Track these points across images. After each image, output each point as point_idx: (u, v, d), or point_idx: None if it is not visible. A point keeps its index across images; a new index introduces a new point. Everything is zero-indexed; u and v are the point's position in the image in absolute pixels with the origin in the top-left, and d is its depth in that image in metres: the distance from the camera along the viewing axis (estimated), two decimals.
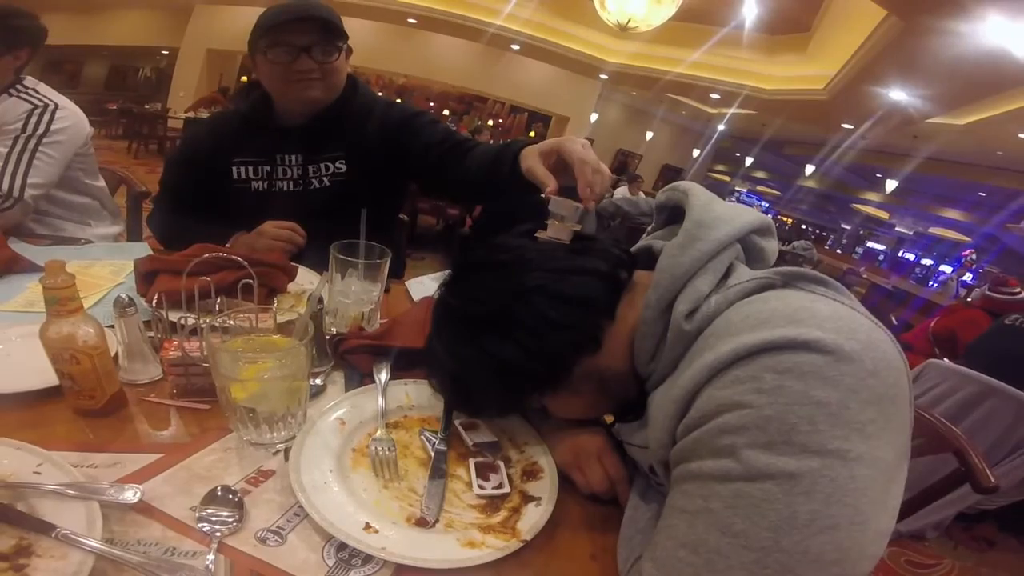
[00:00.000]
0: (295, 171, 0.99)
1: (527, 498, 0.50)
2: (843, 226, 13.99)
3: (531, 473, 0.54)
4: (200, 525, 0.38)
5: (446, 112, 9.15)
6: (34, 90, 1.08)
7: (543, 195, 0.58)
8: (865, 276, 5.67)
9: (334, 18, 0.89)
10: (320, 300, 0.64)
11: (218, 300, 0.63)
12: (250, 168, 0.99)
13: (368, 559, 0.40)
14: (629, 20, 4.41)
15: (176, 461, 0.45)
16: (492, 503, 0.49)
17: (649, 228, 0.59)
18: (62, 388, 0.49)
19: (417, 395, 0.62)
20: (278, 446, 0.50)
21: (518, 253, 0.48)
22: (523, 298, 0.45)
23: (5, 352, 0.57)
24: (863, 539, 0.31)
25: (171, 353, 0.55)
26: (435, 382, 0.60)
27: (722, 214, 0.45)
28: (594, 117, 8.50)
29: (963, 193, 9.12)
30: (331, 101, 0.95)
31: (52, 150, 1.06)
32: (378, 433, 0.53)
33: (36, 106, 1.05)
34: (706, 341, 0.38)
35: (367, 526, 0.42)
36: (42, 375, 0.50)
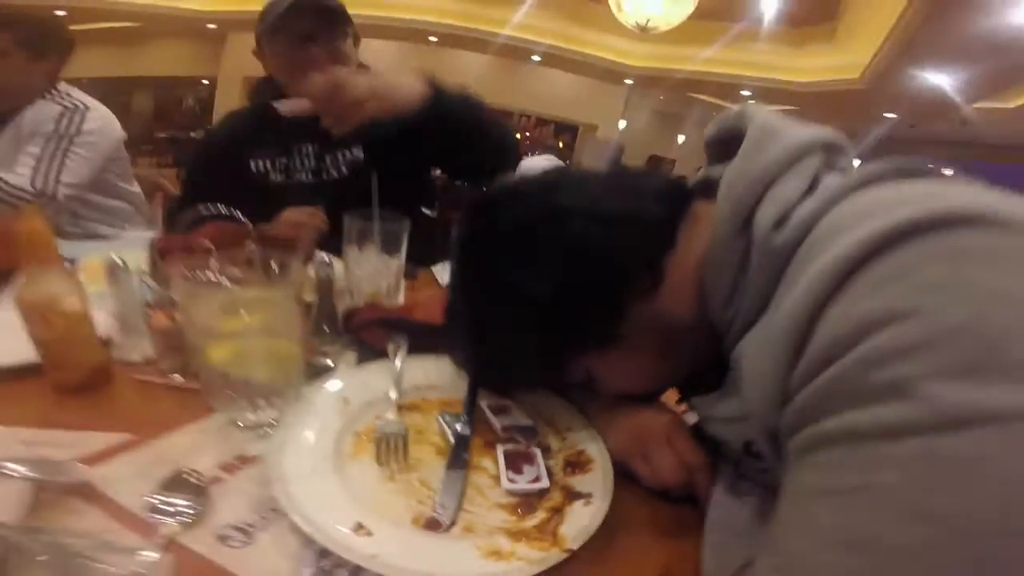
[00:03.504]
0: (311, 161, 0.97)
1: (573, 495, 0.39)
2: None
3: (577, 465, 0.43)
4: (149, 516, 0.30)
5: None
6: (67, 94, 1.11)
7: None
8: None
9: (332, 3, 0.87)
10: (329, 263, 0.58)
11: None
12: (267, 161, 0.97)
13: (359, 571, 0.30)
14: (648, 20, 4.32)
15: (143, 442, 0.38)
16: (527, 502, 0.39)
17: (700, 170, 0.49)
18: (43, 365, 0.43)
19: (438, 373, 0.53)
20: (267, 430, 0.42)
21: (550, 179, 0.41)
22: (559, 220, 0.37)
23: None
24: None
25: (160, 323, 0.48)
26: (456, 351, 0.51)
27: (793, 125, 0.36)
28: (623, 124, 8.37)
29: (1020, 179, 8.41)
30: None
31: (84, 150, 1.08)
32: (388, 413, 0.44)
33: (67, 108, 1.08)
34: (810, 251, 0.28)
35: (358, 527, 0.32)
36: (23, 353, 0.43)
